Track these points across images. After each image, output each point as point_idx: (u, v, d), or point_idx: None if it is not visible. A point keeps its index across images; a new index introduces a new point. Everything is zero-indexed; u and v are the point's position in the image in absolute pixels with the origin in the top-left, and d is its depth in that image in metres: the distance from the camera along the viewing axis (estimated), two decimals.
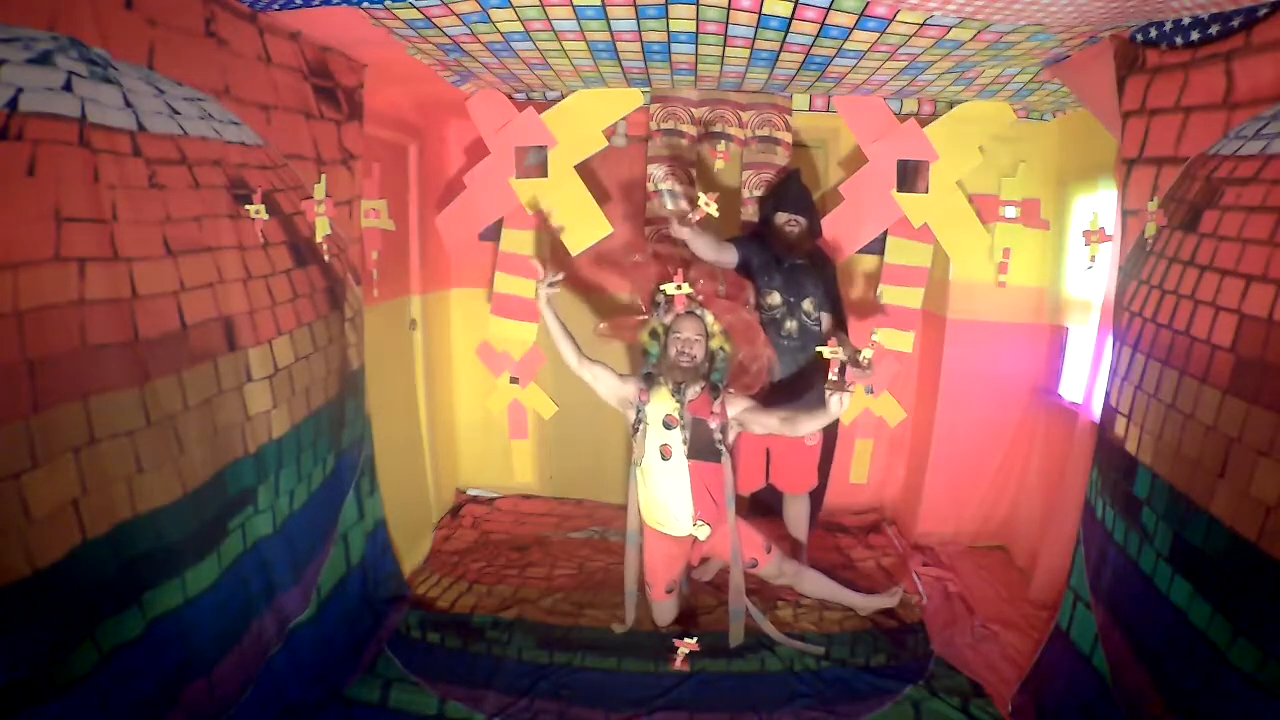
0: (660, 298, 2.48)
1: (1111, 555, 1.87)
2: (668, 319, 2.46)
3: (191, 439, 1.71)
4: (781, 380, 2.74)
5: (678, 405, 2.40)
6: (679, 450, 2.41)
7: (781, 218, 2.79)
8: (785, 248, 2.78)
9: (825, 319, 2.83)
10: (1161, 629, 1.64)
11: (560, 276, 2.53)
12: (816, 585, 2.75)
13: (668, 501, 2.44)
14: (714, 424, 2.40)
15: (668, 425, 2.41)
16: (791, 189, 2.86)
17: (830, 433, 3.08)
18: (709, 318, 2.46)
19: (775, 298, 2.79)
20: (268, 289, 2.00)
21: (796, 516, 3.04)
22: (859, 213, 3.17)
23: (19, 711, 1.28)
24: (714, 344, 2.45)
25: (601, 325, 2.72)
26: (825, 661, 2.49)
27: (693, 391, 2.44)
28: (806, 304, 2.79)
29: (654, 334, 2.50)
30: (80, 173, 1.41)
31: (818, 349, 2.21)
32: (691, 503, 2.43)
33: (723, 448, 2.43)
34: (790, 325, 2.78)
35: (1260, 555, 1.37)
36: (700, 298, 2.46)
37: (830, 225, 3.20)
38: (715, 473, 2.44)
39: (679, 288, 2.42)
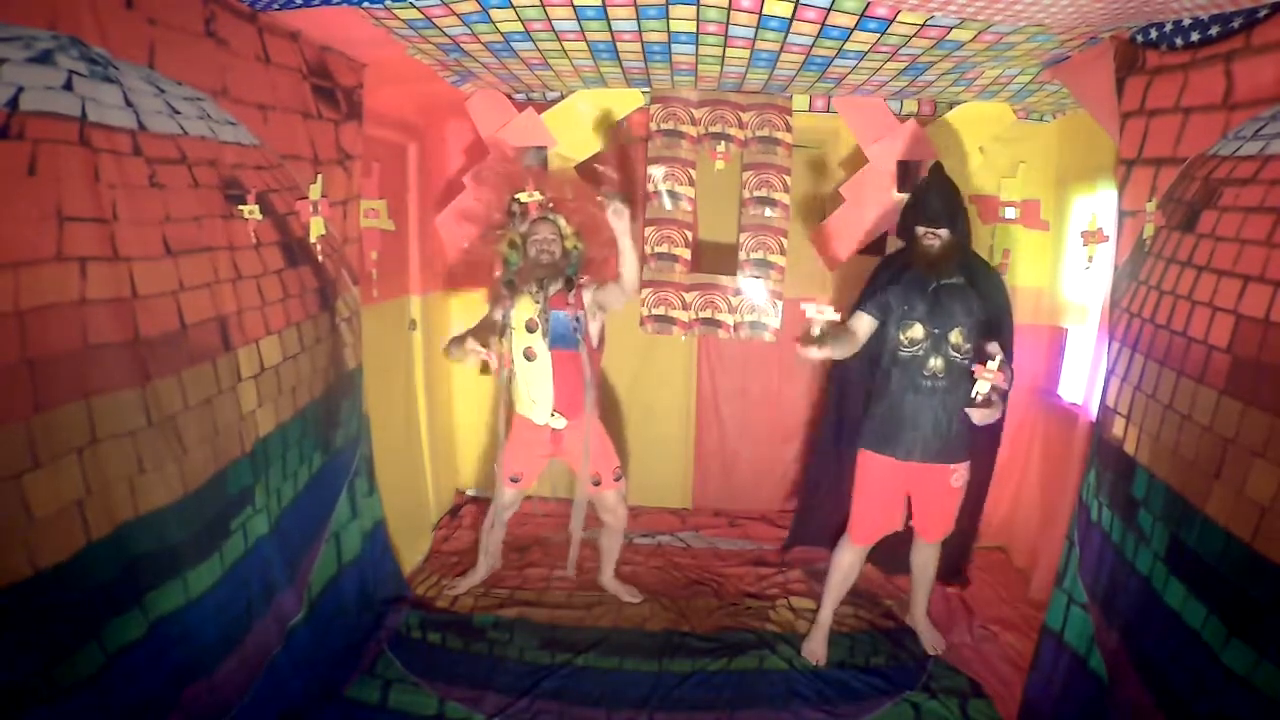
0: (515, 206, 2.64)
1: (1109, 556, 1.87)
2: (524, 227, 2.63)
3: (192, 439, 1.71)
4: (919, 427, 2.37)
5: (538, 306, 2.57)
6: (541, 349, 2.59)
7: (919, 231, 2.36)
8: (927, 267, 2.36)
9: (986, 347, 2.37)
10: (1157, 630, 1.64)
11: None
12: (612, 544, 2.89)
13: (533, 394, 2.64)
14: (568, 314, 2.58)
15: (529, 329, 2.58)
16: (929, 194, 2.37)
17: (980, 477, 2.76)
18: (561, 220, 2.62)
19: (917, 331, 2.34)
20: (258, 289, 2.00)
21: (922, 565, 2.64)
22: (860, 214, 3.17)
23: (22, 713, 1.28)
24: (568, 244, 2.63)
25: (466, 244, 2.96)
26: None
27: (553, 288, 2.59)
28: (955, 335, 2.33)
29: (512, 244, 2.67)
30: (81, 172, 1.41)
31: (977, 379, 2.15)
32: (552, 394, 2.62)
33: (579, 336, 2.60)
34: (934, 363, 2.33)
35: (1254, 556, 1.37)
36: (551, 203, 2.61)
37: (830, 227, 3.20)
38: (574, 360, 2.62)
39: (530, 195, 2.57)
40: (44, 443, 1.33)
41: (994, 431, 2.69)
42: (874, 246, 3.28)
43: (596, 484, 2.72)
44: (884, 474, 2.46)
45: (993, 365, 2.21)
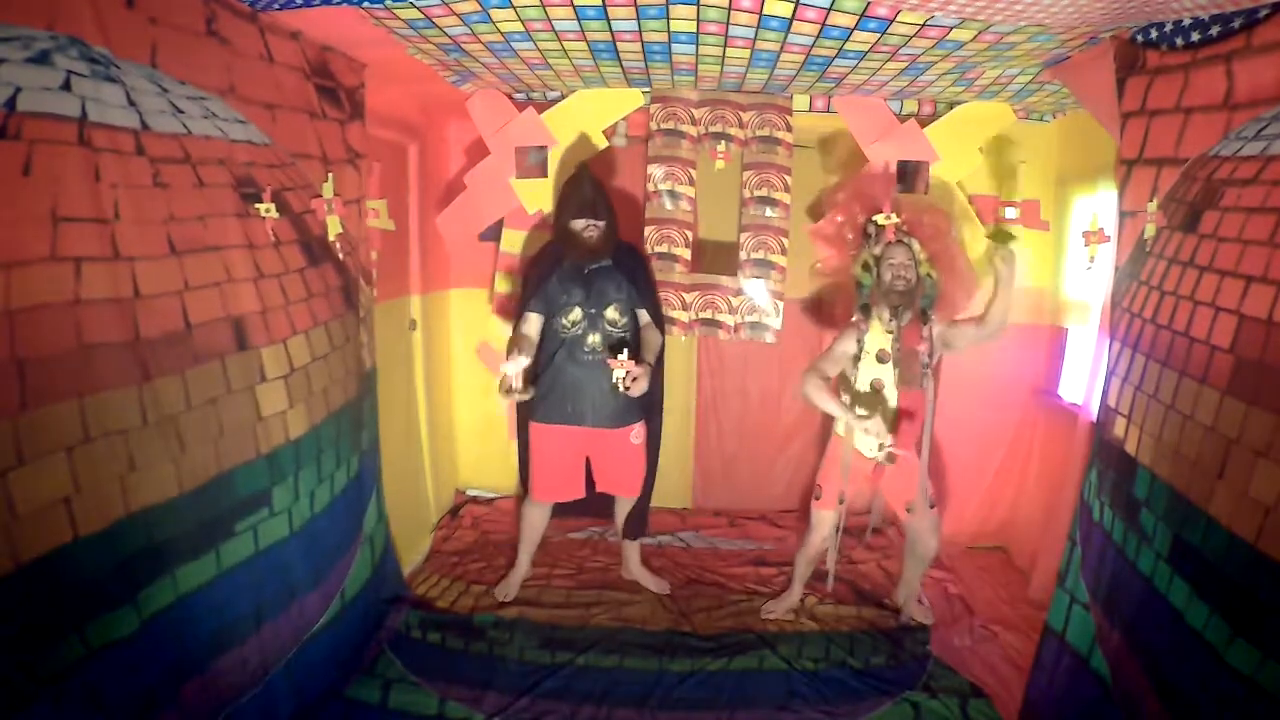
0: (871, 229, 2.57)
1: (1110, 556, 1.87)
2: (878, 249, 2.54)
3: (193, 438, 1.70)
4: (586, 396, 2.68)
5: (890, 336, 2.49)
6: (890, 383, 2.50)
7: (579, 224, 2.63)
8: (586, 254, 2.65)
9: (632, 319, 2.72)
10: (1160, 630, 1.64)
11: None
12: (916, 571, 2.73)
13: (870, 426, 2.49)
14: (923, 349, 2.50)
15: (880, 359, 2.50)
16: (585, 191, 2.66)
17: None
18: (915, 245, 2.53)
19: (575, 313, 2.66)
20: (281, 288, 1.99)
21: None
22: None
23: (3, 706, 1.28)
24: (922, 270, 2.53)
25: (816, 264, 2.93)
26: (824, 661, 2.50)
27: (906, 318, 2.51)
28: (609, 311, 2.68)
29: (865, 266, 2.58)
30: (79, 172, 1.40)
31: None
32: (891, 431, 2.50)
33: (928, 372, 2.51)
34: (593, 339, 2.67)
35: (1258, 556, 1.37)
36: (906, 227, 2.53)
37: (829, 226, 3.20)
38: (917, 399, 2.52)
39: (888, 218, 2.51)
40: (30, 441, 1.32)
41: (655, 402, 2.94)
42: None
43: (910, 511, 2.57)
44: (556, 441, 2.76)
45: (622, 357, 2.50)
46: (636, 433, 2.81)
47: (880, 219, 2.52)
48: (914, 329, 2.51)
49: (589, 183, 2.68)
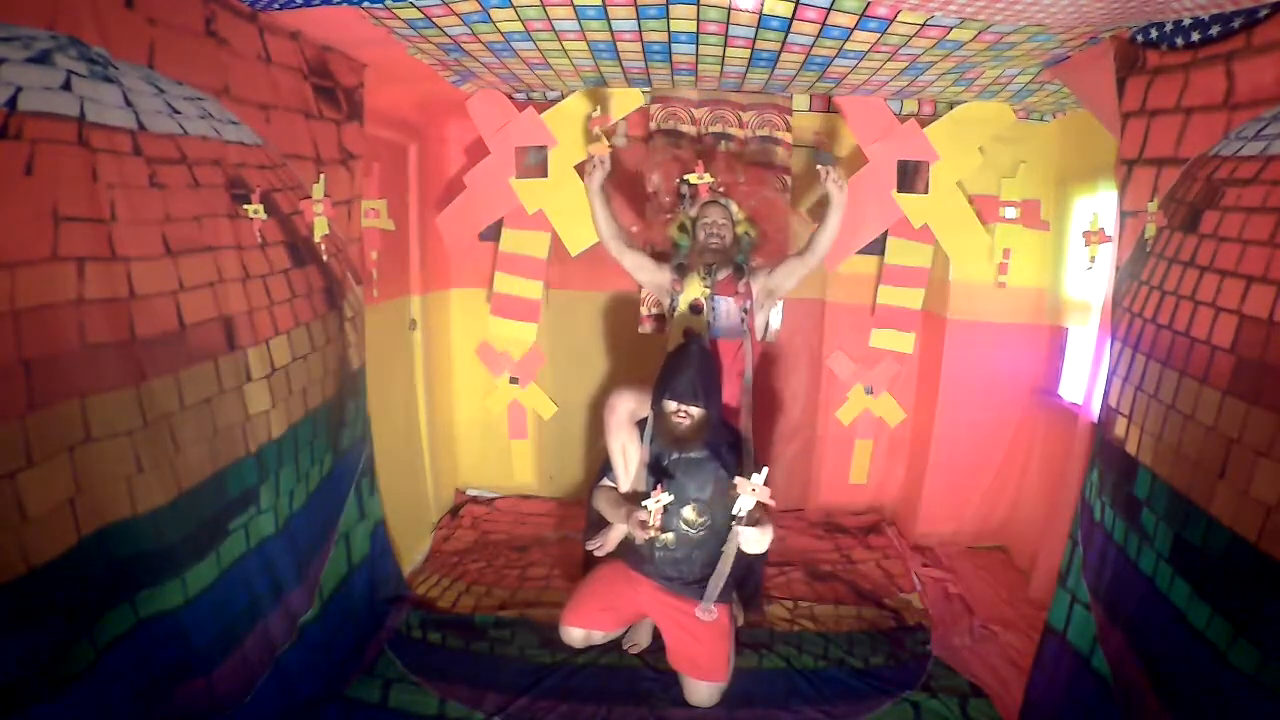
0: (685, 189, 2.56)
1: (1111, 556, 1.87)
2: (694, 211, 2.53)
3: (188, 439, 1.70)
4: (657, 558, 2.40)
5: (706, 290, 2.46)
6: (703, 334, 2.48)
7: (670, 406, 2.24)
8: (671, 442, 2.30)
9: (723, 516, 2.27)
10: (1161, 630, 1.64)
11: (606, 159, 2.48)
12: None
13: None
14: (738, 303, 2.49)
15: (694, 310, 2.50)
16: (684, 366, 2.24)
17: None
18: (733, 205, 2.53)
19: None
20: (265, 289, 1.99)
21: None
22: (859, 213, 3.16)
23: (19, 711, 1.28)
24: (739, 229, 2.52)
25: (634, 228, 2.84)
26: (823, 661, 2.50)
27: (722, 274, 2.50)
28: (688, 511, 2.30)
29: (682, 227, 2.57)
30: (79, 172, 1.41)
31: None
32: None
33: (745, 327, 2.50)
34: (666, 537, 2.33)
35: (1259, 556, 1.37)
36: (722, 187, 2.51)
37: None
38: (737, 348, 2.51)
39: (701, 177, 2.48)
40: (38, 442, 1.33)
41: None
42: (874, 245, 3.29)
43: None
44: (618, 573, 2.49)
45: (757, 478, 1.96)
46: (705, 609, 2.31)
47: (692, 178, 2.49)
48: (730, 281, 2.51)
49: (694, 358, 2.26)
